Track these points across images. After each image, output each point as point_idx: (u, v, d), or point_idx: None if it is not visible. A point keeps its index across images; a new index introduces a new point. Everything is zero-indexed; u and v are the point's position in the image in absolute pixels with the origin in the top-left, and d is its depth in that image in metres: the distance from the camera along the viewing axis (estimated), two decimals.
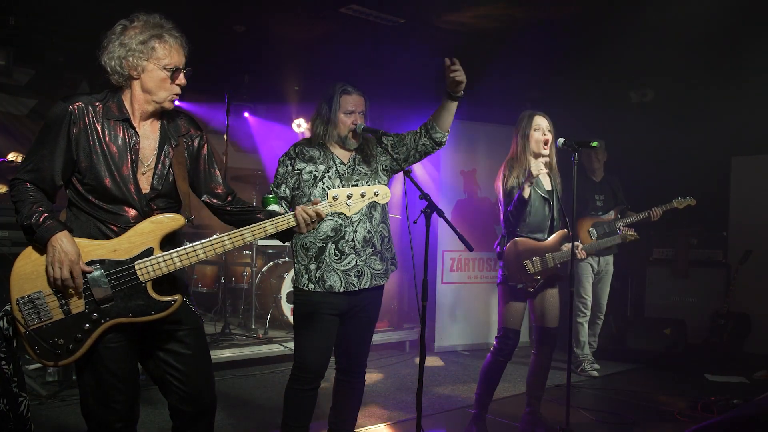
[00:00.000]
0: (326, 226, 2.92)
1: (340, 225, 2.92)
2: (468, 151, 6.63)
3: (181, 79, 2.23)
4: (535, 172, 3.48)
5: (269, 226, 2.27)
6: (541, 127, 3.68)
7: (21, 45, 5.70)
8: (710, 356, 5.79)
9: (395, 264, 3.15)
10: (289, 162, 3.00)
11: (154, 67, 2.16)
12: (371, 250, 2.98)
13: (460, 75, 2.85)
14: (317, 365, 2.97)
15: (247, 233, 2.26)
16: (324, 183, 2.94)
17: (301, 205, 2.32)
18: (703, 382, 5.40)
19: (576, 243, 3.69)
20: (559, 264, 3.69)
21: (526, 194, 3.52)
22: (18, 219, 2.12)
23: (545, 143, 3.66)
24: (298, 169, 2.97)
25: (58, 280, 2.05)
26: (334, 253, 2.93)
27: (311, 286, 2.94)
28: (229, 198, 2.46)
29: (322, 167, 2.97)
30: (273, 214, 2.34)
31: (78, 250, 2.08)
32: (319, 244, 2.94)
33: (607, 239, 4.10)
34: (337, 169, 2.97)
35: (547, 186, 3.76)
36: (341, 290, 2.93)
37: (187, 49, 2.25)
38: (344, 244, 2.93)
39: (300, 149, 3.02)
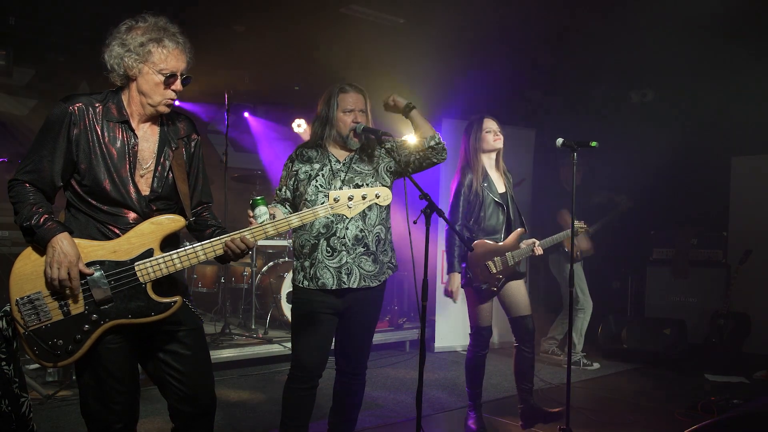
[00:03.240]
0: (318, 224, 2.93)
1: (332, 222, 2.93)
2: None
3: (177, 85, 2.21)
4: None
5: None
6: (492, 129, 3.88)
7: (21, 45, 5.70)
8: (710, 356, 5.78)
9: (392, 268, 3.12)
10: (290, 164, 3.04)
11: (149, 71, 2.15)
12: (362, 249, 2.96)
13: (388, 100, 3.10)
14: (314, 364, 2.97)
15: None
16: (317, 181, 2.95)
17: (233, 234, 2.26)
18: (703, 382, 5.40)
19: (533, 240, 3.93)
20: (518, 261, 3.85)
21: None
22: (17, 220, 2.11)
23: (496, 140, 3.86)
24: (295, 170, 2.99)
25: (56, 280, 2.04)
26: (326, 249, 2.93)
27: (306, 283, 2.96)
28: (198, 208, 2.45)
29: (317, 166, 2.98)
30: (222, 233, 2.31)
31: (78, 251, 2.07)
32: (312, 242, 2.95)
33: (558, 235, 4.19)
34: (331, 167, 2.98)
35: (501, 189, 3.90)
36: (334, 287, 2.92)
37: (190, 55, 2.23)
38: (335, 241, 2.93)
39: (300, 151, 3.05)
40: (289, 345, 5.44)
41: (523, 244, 3.89)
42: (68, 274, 2.05)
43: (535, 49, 6.12)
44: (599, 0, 5.01)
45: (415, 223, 2.69)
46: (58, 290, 2.07)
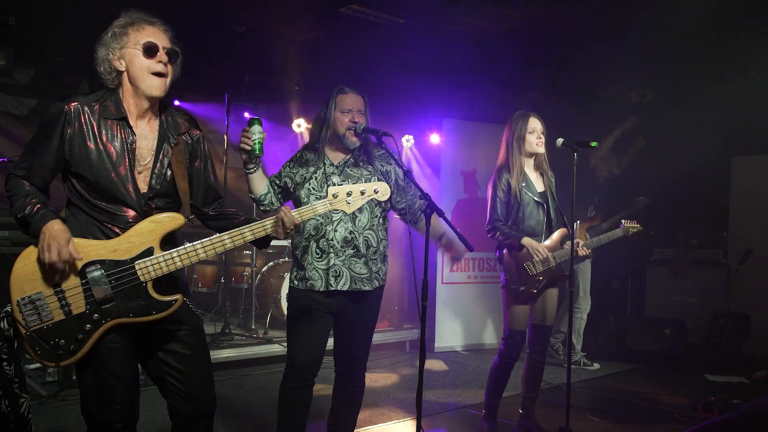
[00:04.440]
0: (309, 225, 2.94)
1: (321, 224, 2.93)
2: (468, 151, 6.63)
3: (161, 55, 2.18)
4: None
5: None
6: (536, 129, 3.68)
7: (21, 45, 5.70)
8: (710, 356, 5.79)
9: (381, 279, 3.07)
10: (289, 164, 3.07)
11: (130, 51, 2.17)
12: (352, 251, 2.94)
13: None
14: (307, 362, 2.96)
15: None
16: (310, 184, 2.96)
17: (283, 209, 2.31)
18: (703, 382, 5.40)
19: (577, 240, 3.67)
20: (560, 262, 3.68)
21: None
22: (12, 212, 2.13)
23: (538, 144, 3.69)
24: (293, 172, 3.02)
25: (46, 264, 2.05)
26: (316, 251, 2.94)
27: (296, 283, 2.98)
28: (215, 203, 2.46)
29: (311, 169, 3.00)
30: (252, 221, 2.34)
31: (68, 235, 2.07)
32: (303, 243, 2.96)
33: (608, 234, 4.07)
34: (324, 171, 2.98)
35: (540, 188, 3.75)
36: (321, 289, 2.92)
37: (170, 34, 2.23)
38: (324, 243, 2.93)
39: (301, 154, 3.08)
40: None
41: (567, 245, 3.69)
42: (59, 255, 2.04)
43: (535, 49, 6.12)
44: (599, 0, 5.00)
45: (415, 223, 2.69)
46: (52, 277, 2.07)
